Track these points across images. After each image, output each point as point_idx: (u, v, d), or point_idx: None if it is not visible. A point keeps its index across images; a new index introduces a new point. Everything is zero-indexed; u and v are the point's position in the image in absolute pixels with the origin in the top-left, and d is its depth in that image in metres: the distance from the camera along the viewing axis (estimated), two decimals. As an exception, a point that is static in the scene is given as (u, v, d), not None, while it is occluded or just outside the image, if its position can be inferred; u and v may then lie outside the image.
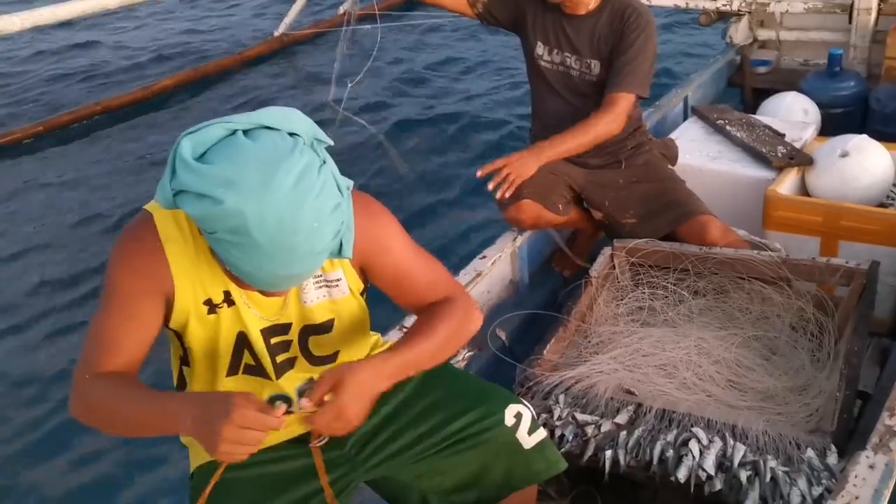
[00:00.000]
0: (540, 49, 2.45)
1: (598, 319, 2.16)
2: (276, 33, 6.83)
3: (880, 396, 1.74)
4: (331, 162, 1.15)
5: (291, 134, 1.11)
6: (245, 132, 1.09)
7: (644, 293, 2.22)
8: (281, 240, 1.06)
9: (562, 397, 1.82)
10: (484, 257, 2.36)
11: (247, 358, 1.37)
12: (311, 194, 1.07)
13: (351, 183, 1.20)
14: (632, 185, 2.47)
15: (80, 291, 3.60)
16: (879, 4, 3.60)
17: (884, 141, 2.63)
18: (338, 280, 1.36)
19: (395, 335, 1.94)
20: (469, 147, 4.76)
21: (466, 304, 1.44)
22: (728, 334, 2.06)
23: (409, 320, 2.02)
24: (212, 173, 1.05)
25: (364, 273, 1.40)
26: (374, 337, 1.60)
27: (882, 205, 2.55)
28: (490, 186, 2.30)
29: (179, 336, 1.34)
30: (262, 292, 1.28)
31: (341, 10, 7.21)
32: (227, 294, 1.30)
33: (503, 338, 2.25)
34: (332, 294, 1.37)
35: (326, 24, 7.04)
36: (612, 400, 1.78)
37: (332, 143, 1.16)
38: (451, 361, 2.14)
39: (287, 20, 6.80)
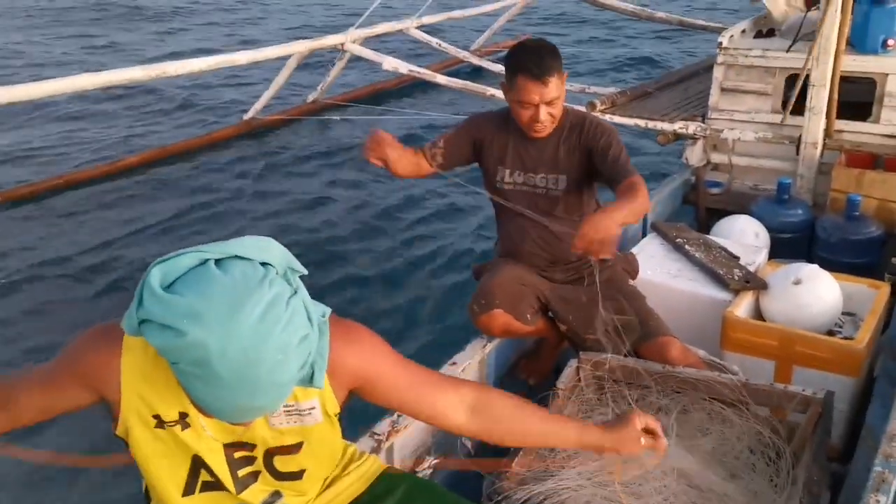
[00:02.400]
0: (501, 173, 2.55)
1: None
2: (246, 117, 6.95)
3: (836, 525, 1.81)
4: (303, 291, 1.14)
5: (264, 264, 1.11)
6: (217, 262, 1.09)
7: (609, 408, 2.27)
8: (243, 373, 1.05)
9: (530, 513, 1.83)
10: (454, 363, 2.39)
11: (203, 476, 1.34)
12: (278, 327, 1.06)
13: (328, 311, 1.22)
14: (595, 303, 2.55)
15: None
16: (825, 139, 3.88)
17: (829, 267, 2.79)
18: (311, 409, 1.35)
19: (366, 442, 1.94)
20: (438, 250, 4.83)
21: (488, 390, 1.54)
22: (689, 453, 2.11)
23: (379, 426, 2.04)
24: (178, 305, 1.04)
25: (354, 394, 1.40)
26: (351, 448, 1.61)
27: (831, 332, 2.69)
28: (576, 250, 2.15)
29: (128, 445, 1.32)
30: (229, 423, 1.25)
31: (310, 98, 7.42)
32: (183, 416, 1.28)
33: (469, 447, 2.26)
34: (304, 421, 1.36)
35: (295, 110, 7.21)
36: (581, 518, 1.80)
37: (305, 272, 1.17)
38: (418, 469, 2.15)
39: (257, 105, 6.95)
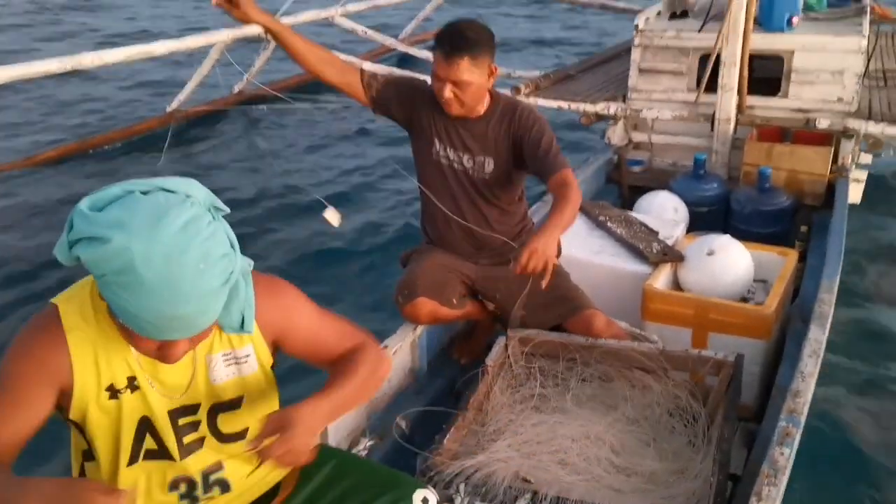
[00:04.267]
0: (437, 146, 2.56)
1: (494, 407, 2.26)
2: (169, 108, 6.80)
3: (748, 479, 1.93)
4: (226, 225, 1.23)
5: (188, 196, 1.19)
6: (143, 193, 1.17)
7: (536, 381, 2.36)
8: (166, 277, 1.11)
9: (462, 486, 1.90)
10: (385, 347, 2.43)
11: (148, 443, 1.38)
12: (199, 237, 1.14)
13: (252, 262, 1.30)
14: (521, 280, 2.62)
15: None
16: (737, 115, 4.04)
17: (743, 238, 2.93)
18: (247, 356, 1.42)
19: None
20: (369, 236, 4.84)
21: (377, 349, 1.58)
22: (613, 420, 2.21)
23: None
24: (103, 217, 1.13)
25: (276, 346, 1.48)
26: None
27: (744, 299, 2.83)
28: (516, 272, 2.18)
29: (81, 428, 1.34)
30: (160, 355, 1.26)
31: (236, 89, 7.30)
32: (132, 379, 1.33)
33: (404, 427, 2.31)
34: (242, 370, 1.42)
35: (220, 102, 7.09)
36: (510, 488, 1.87)
37: (228, 210, 1.25)
38: (354, 450, 2.19)
39: (181, 96, 6.80)
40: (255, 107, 7.00)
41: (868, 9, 4.37)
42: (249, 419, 1.47)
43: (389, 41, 7.38)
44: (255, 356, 1.43)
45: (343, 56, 6.22)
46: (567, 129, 6.18)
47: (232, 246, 1.21)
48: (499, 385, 2.33)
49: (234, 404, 1.44)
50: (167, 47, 5.70)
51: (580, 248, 3.03)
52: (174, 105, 6.79)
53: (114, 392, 1.32)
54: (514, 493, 1.86)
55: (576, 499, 1.82)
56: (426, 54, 6.77)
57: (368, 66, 2.58)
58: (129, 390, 1.33)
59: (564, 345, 2.40)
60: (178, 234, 1.12)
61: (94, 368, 1.30)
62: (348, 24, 7.33)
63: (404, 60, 7.50)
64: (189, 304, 1.14)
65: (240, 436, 1.46)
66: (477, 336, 2.86)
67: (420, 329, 2.58)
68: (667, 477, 2.01)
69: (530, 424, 2.18)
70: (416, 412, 2.38)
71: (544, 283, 2.18)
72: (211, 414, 1.43)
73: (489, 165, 2.54)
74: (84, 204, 1.16)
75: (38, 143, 6.23)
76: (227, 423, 1.45)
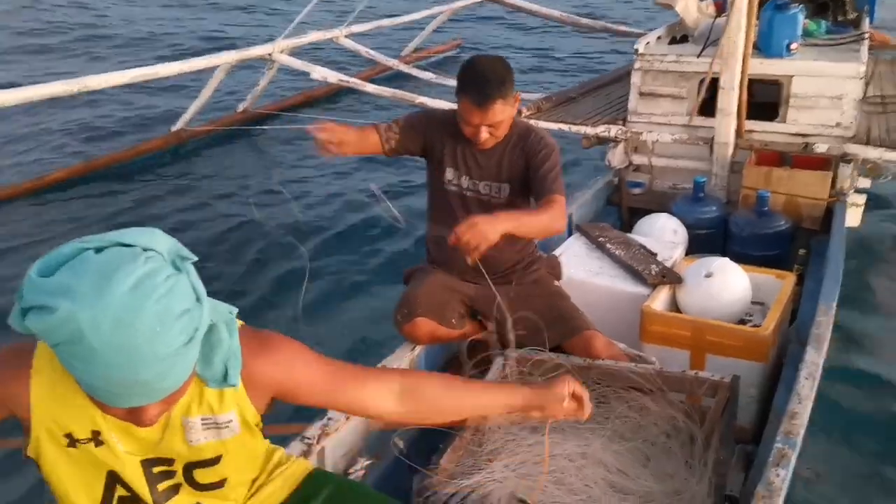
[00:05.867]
0: (450, 174, 2.58)
1: (491, 427, 2.27)
2: (174, 128, 6.86)
3: (745, 501, 1.93)
4: (193, 274, 1.13)
5: (146, 249, 1.09)
6: (98, 250, 1.08)
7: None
8: (119, 343, 1.03)
9: (458, 506, 1.90)
10: (384, 366, 2.44)
11: (119, 491, 1.33)
12: (153, 297, 1.04)
13: (235, 309, 1.23)
14: (521, 300, 2.64)
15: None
16: (736, 139, 4.07)
17: (741, 260, 2.95)
18: (229, 422, 1.34)
19: (296, 447, 1.97)
20: (371, 256, 4.86)
21: (414, 373, 1.59)
22: (609, 441, 2.21)
23: (309, 430, 2.07)
24: (50, 284, 1.04)
25: (282, 400, 1.42)
26: (279, 453, 1.62)
27: (742, 321, 2.84)
28: (451, 241, 2.20)
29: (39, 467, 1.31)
30: (131, 419, 1.19)
31: (240, 108, 7.36)
32: (96, 434, 1.27)
33: (401, 446, 2.32)
34: (222, 434, 1.35)
35: (225, 120, 7.15)
36: (506, 508, 1.87)
37: (195, 258, 1.16)
38: (351, 469, 2.19)
39: (186, 116, 6.86)
40: (259, 126, 7.07)
41: (867, 35, 4.42)
42: (227, 471, 1.41)
43: (391, 62, 7.47)
44: (237, 420, 1.35)
45: (350, 79, 6.32)
46: (568, 153, 6.22)
47: (198, 299, 1.11)
48: (496, 405, 2.34)
49: (212, 462, 1.38)
50: (173, 69, 5.81)
51: (580, 270, 3.05)
52: (179, 125, 6.85)
53: (72, 441, 1.27)
54: (510, 513, 1.86)
55: (571, 518, 1.82)
56: (427, 75, 6.84)
57: (384, 126, 2.60)
58: (92, 444, 1.27)
59: (562, 365, 2.41)
60: (129, 295, 1.03)
61: (51, 416, 1.25)
62: (351, 45, 7.43)
63: (404, 79, 7.56)
64: (149, 370, 1.06)
65: (218, 485, 1.41)
66: (475, 356, 2.86)
67: (419, 348, 2.59)
68: (663, 498, 2.00)
69: (527, 445, 2.18)
70: (413, 432, 2.38)
71: (470, 261, 2.17)
72: (187, 469, 1.37)
73: (505, 191, 2.56)
74: (34, 269, 1.07)
75: (41, 167, 6.27)
76: (204, 476, 1.39)
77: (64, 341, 1.04)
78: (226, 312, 1.20)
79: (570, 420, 1.80)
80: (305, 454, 1.98)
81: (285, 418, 2.39)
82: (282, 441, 1.75)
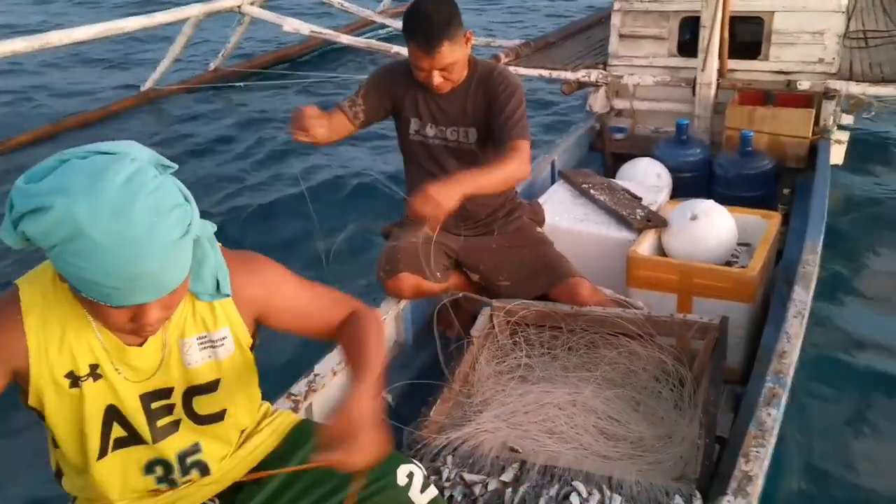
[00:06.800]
0: (415, 125, 2.52)
1: (480, 378, 2.25)
2: (143, 88, 6.69)
3: (735, 441, 1.92)
4: (176, 180, 1.16)
5: (127, 154, 1.12)
6: (82, 158, 1.11)
7: (522, 351, 2.34)
8: (117, 232, 1.05)
9: (449, 458, 1.88)
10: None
11: (116, 432, 1.33)
12: (145, 190, 1.08)
13: (213, 225, 1.24)
14: (505, 250, 2.60)
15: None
16: (718, 79, 4.01)
17: (726, 202, 2.92)
18: (223, 339, 1.36)
19: (283, 404, 1.94)
20: (349, 212, 4.79)
21: (370, 312, 1.51)
22: (599, 387, 2.20)
23: (295, 387, 2.04)
24: (42, 187, 1.06)
25: (260, 323, 1.42)
26: (265, 406, 1.60)
27: (728, 263, 2.82)
28: (410, 215, 2.16)
29: (42, 415, 1.30)
30: (134, 327, 1.19)
31: (211, 66, 7.18)
32: (94, 367, 1.27)
33: (390, 400, 2.29)
34: (218, 354, 1.36)
35: (195, 80, 6.98)
36: (497, 458, 1.86)
37: (176, 166, 1.18)
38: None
39: (155, 75, 6.69)
40: (231, 84, 6.90)
41: None
42: (227, 401, 1.41)
43: (365, 12, 7.29)
44: (231, 338, 1.37)
45: (324, 30, 6.15)
46: (548, 99, 6.15)
47: (185, 199, 1.15)
48: (484, 356, 2.32)
49: (210, 387, 1.38)
50: (138, 23, 5.63)
51: (564, 217, 3.01)
52: (149, 84, 6.68)
53: (75, 380, 1.26)
54: (501, 463, 1.85)
55: (563, 467, 1.82)
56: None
57: (347, 102, 2.48)
58: (91, 379, 1.27)
59: (549, 314, 2.38)
60: (122, 188, 1.06)
61: (54, 353, 1.24)
62: (324, -5, 7.23)
63: (382, 35, 7.40)
64: (150, 260, 1.08)
65: (218, 416, 1.42)
66: (462, 308, 2.83)
67: (404, 302, 2.55)
68: (654, 442, 2.00)
69: (517, 394, 2.17)
70: (402, 386, 2.36)
71: (433, 233, 2.12)
72: (186, 397, 1.37)
73: (472, 136, 2.50)
74: (21, 180, 1.09)
75: (4, 129, 6.10)
76: (204, 406, 1.40)
77: (62, 240, 1.06)
78: (207, 226, 1.21)
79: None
80: (293, 411, 1.94)
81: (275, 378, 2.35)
82: (270, 398, 1.70)
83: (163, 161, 1.16)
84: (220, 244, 1.32)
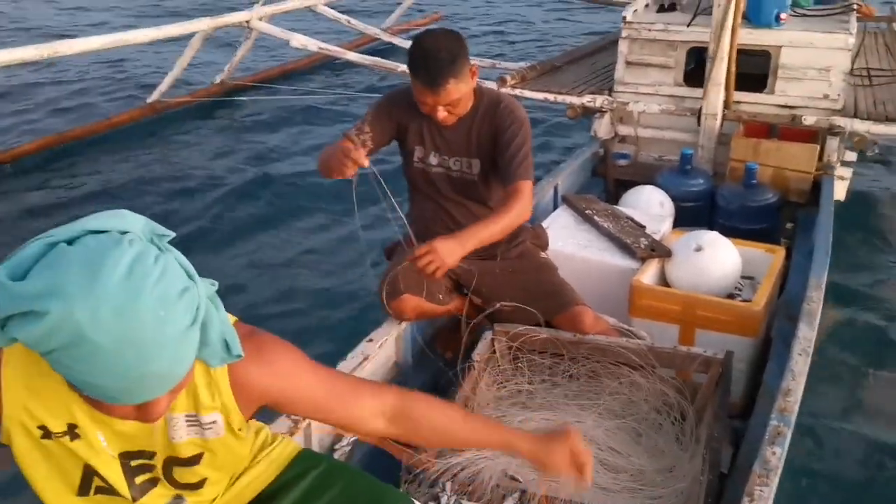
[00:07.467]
0: (419, 153, 2.51)
1: (481, 403, 2.23)
2: (149, 100, 6.69)
3: (737, 477, 1.91)
4: (176, 253, 1.05)
5: (122, 232, 1.01)
6: (69, 242, 0.99)
7: (523, 377, 2.32)
8: (124, 335, 0.95)
9: (448, 485, 1.86)
10: (371, 340, 2.39)
11: (97, 482, 1.27)
12: (149, 280, 0.96)
13: (213, 282, 1.14)
14: (507, 274, 2.59)
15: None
16: (724, 111, 4.03)
17: (728, 233, 2.92)
18: (212, 423, 1.27)
19: (283, 424, 1.92)
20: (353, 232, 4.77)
21: (413, 393, 1.46)
22: (600, 417, 2.18)
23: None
24: (29, 286, 0.94)
25: (270, 409, 1.35)
26: (264, 432, 1.56)
27: (731, 295, 2.81)
28: (409, 259, 2.20)
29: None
30: (140, 416, 1.10)
31: (217, 80, 7.20)
32: (72, 427, 1.18)
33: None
34: (205, 434, 1.28)
35: (201, 93, 6.99)
36: (497, 487, 1.84)
37: (172, 234, 1.08)
38: (337, 446, 2.14)
39: (161, 87, 6.69)
40: (236, 98, 6.91)
41: (855, 6, 4.37)
42: (209, 472, 1.34)
43: (371, 30, 7.32)
44: (222, 424, 1.27)
45: (331, 47, 6.17)
46: (553, 123, 6.16)
47: (190, 277, 1.04)
48: (485, 381, 2.30)
49: (192, 461, 1.30)
50: (147, 35, 5.64)
51: (567, 242, 3.00)
52: (155, 96, 6.68)
53: (47, 433, 1.18)
54: (501, 491, 1.83)
55: (564, 498, 1.79)
56: (408, 44, 6.71)
57: (354, 131, 2.46)
58: (67, 437, 1.18)
59: (552, 340, 2.37)
60: (124, 282, 0.94)
61: (27, 408, 1.15)
62: (331, 13, 7.27)
63: (387, 51, 7.42)
64: (159, 359, 0.98)
65: (198, 485, 1.34)
66: (462, 330, 2.82)
67: (405, 323, 2.53)
68: (655, 476, 1.98)
69: (517, 421, 2.15)
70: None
71: (432, 280, 2.16)
72: (166, 465, 1.30)
73: (476, 167, 2.49)
74: (4, 273, 0.96)
75: (10, 137, 6.10)
76: (184, 476, 1.32)
77: (61, 346, 0.95)
78: (208, 286, 1.11)
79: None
80: (292, 431, 1.92)
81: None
82: (268, 418, 1.68)
83: (158, 230, 1.06)
84: (234, 317, 1.24)
